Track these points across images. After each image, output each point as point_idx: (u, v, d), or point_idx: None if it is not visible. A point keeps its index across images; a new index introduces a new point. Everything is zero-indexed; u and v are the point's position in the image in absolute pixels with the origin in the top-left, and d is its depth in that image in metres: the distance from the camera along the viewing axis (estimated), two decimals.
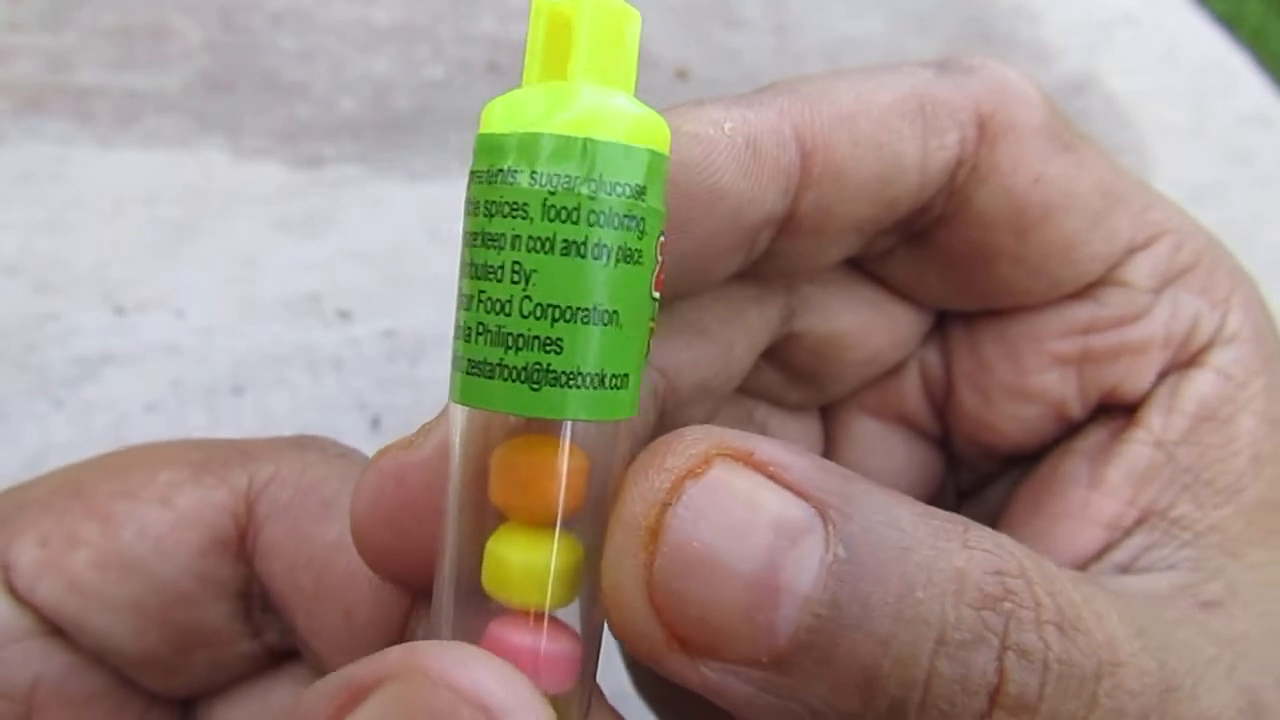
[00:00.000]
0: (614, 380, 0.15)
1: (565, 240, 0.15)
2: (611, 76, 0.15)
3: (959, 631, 0.15)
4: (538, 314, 0.15)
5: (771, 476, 0.16)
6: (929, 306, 0.23)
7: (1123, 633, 0.16)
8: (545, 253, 0.15)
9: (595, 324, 0.15)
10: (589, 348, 0.15)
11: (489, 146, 0.15)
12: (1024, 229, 0.20)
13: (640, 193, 0.15)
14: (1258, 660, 0.18)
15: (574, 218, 0.15)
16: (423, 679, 0.14)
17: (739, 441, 0.16)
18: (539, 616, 0.16)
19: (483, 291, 0.15)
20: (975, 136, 0.20)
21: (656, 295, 0.16)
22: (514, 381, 0.15)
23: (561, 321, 0.15)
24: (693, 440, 0.16)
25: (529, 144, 0.15)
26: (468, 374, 0.15)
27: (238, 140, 0.44)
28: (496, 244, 0.15)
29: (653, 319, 0.16)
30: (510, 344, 0.15)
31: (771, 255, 0.20)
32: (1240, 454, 0.20)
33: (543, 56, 0.16)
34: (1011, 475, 0.24)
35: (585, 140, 0.15)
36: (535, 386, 0.15)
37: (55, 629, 0.20)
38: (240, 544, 0.21)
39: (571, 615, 0.16)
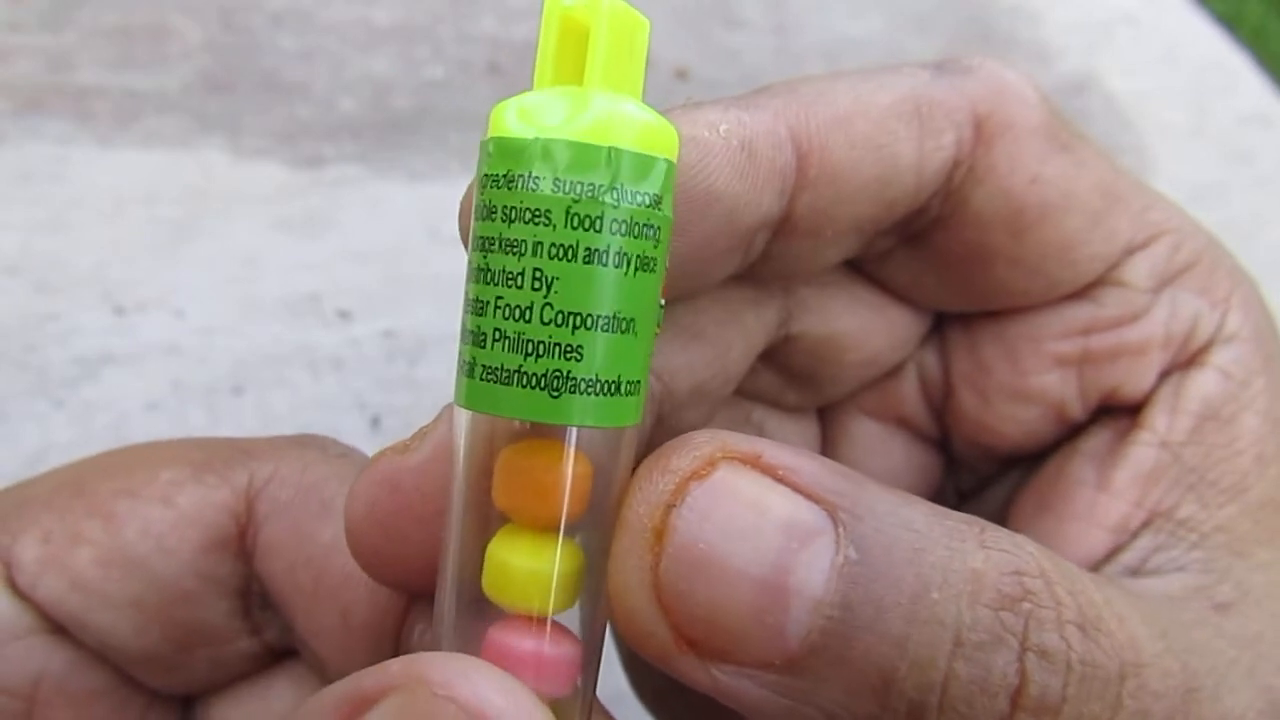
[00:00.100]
0: (628, 386, 0.15)
1: (588, 248, 0.15)
2: (623, 83, 0.16)
3: (976, 633, 0.15)
4: (559, 321, 0.15)
5: (780, 479, 0.16)
6: (927, 308, 0.23)
7: (1145, 634, 0.16)
8: (568, 260, 0.15)
9: (614, 331, 0.15)
10: (608, 354, 0.15)
11: (507, 150, 0.15)
12: (1021, 229, 0.20)
13: (657, 202, 0.15)
14: (1276, 661, 0.18)
15: (597, 226, 0.15)
16: (426, 691, 0.14)
17: (745, 445, 0.16)
18: (539, 620, 0.16)
19: (500, 297, 0.15)
20: (971, 137, 0.20)
21: (662, 301, 0.16)
22: (533, 388, 0.15)
23: (583, 329, 0.15)
24: (698, 443, 0.16)
25: (551, 150, 0.15)
26: (482, 380, 0.15)
27: (238, 140, 0.44)
28: (516, 250, 0.15)
29: (658, 324, 0.16)
30: (531, 351, 0.15)
31: (768, 257, 0.20)
32: (1244, 454, 0.20)
33: (555, 60, 0.16)
34: (1012, 477, 0.24)
35: (610, 149, 0.15)
36: (555, 394, 0.15)
37: (57, 626, 0.20)
38: (240, 542, 0.21)
39: (572, 621, 0.16)
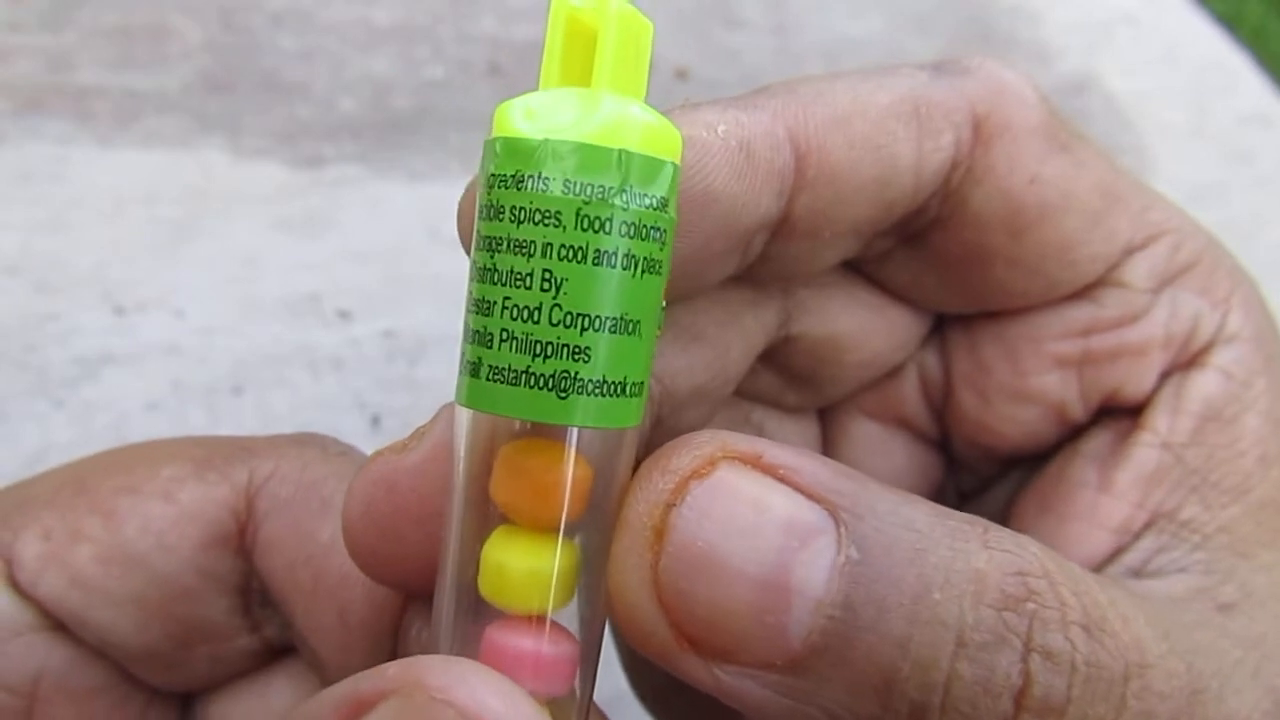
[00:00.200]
0: (632, 388, 0.16)
1: (597, 250, 0.15)
2: (629, 86, 0.16)
3: (979, 633, 0.15)
4: (567, 322, 0.15)
5: (781, 479, 0.16)
6: (927, 309, 0.23)
7: (1150, 635, 0.16)
8: (577, 261, 0.15)
9: (620, 333, 0.15)
10: (614, 356, 0.15)
11: (515, 150, 0.15)
12: (1020, 230, 0.20)
13: (664, 204, 0.15)
14: None
15: (606, 228, 0.15)
16: (423, 695, 0.14)
17: (746, 445, 0.16)
18: (537, 620, 0.16)
19: (508, 298, 0.15)
20: (970, 138, 0.20)
21: (664, 303, 0.16)
22: (541, 389, 0.15)
23: (590, 330, 0.15)
24: (699, 443, 0.16)
25: (562, 152, 0.15)
26: (488, 380, 0.15)
27: (238, 140, 0.44)
28: (526, 250, 0.15)
29: (660, 326, 0.16)
30: (539, 352, 0.15)
31: (767, 258, 0.20)
32: (1246, 454, 0.20)
33: (561, 60, 0.16)
34: (1013, 478, 0.24)
35: (620, 151, 0.15)
36: (563, 394, 0.15)
37: (58, 623, 0.20)
38: (240, 539, 0.21)
39: (570, 621, 0.16)
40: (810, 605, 0.15)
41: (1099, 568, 0.20)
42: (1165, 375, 0.21)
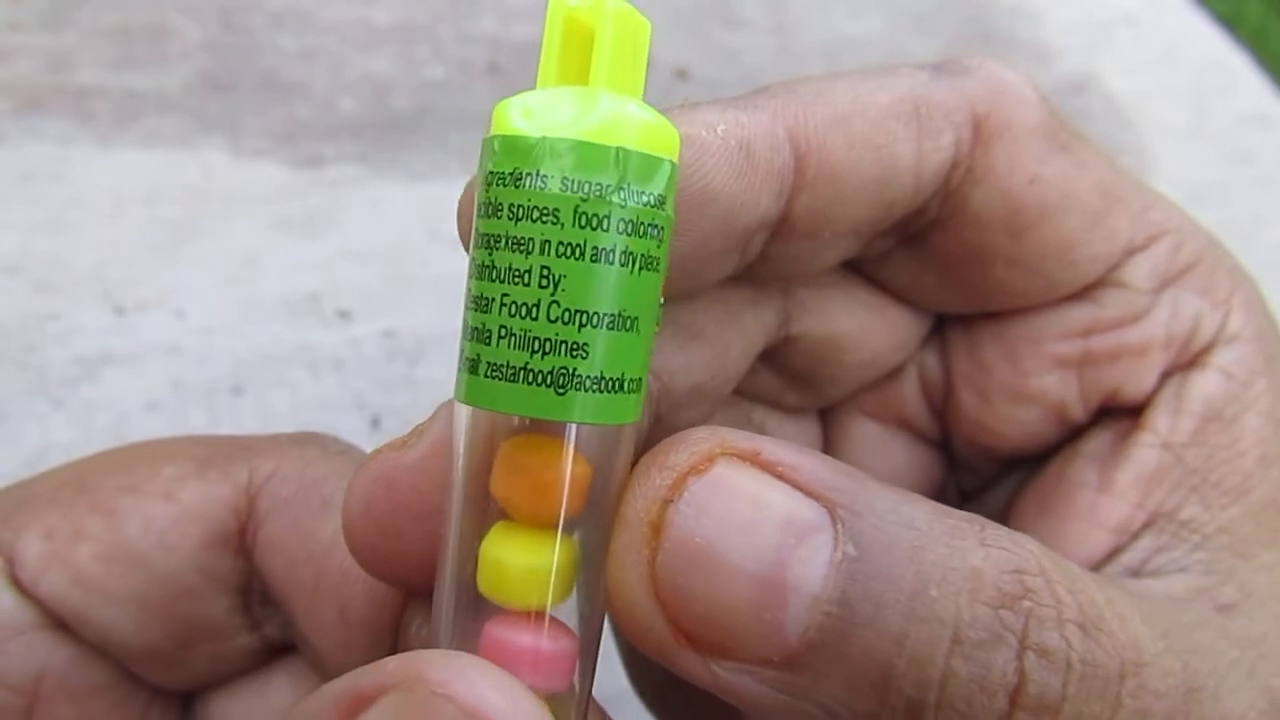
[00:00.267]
0: (630, 384, 0.16)
1: (595, 247, 0.15)
2: (626, 84, 0.16)
3: (975, 630, 0.15)
4: (565, 319, 0.15)
5: (779, 476, 0.16)
6: (927, 309, 0.23)
7: (1146, 634, 0.16)
8: (575, 259, 0.15)
9: (618, 329, 0.15)
10: (611, 352, 0.15)
11: (513, 148, 0.15)
12: (1020, 230, 0.20)
13: (661, 202, 0.15)
14: (1278, 662, 0.18)
15: (604, 225, 0.15)
16: (423, 689, 0.14)
17: (744, 441, 0.16)
18: (536, 616, 0.16)
19: (506, 295, 0.15)
20: (970, 138, 0.20)
21: (661, 300, 0.16)
22: (539, 385, 0.15)
23: (588, 327, 0.15)
24: (697, 439, 0.16)
25: (560, 149, 0.15)
26: (487, 377, 0.15)
27: (238, 140, 0.44)
28: (524, 247, 0.15)
29: (658, 323, 0.16)
30: (537, 348, 0.15)
31: (766, 258, 0.20)
32: (1247, 454, 0.20)
33: (559, 59, 0.16)
34: (1014, 478, 0.24)
35: (618, 149, 0.15)
36: (561, 391, 0.15)
37: (59, 622, 0.21)
38: (241, 538, 0.21)
39: (570, 617, 0.16)
40: (807, 602, 0.15)
41: (1097, 567, 0.20)
42: (1166, 375, 0.21)
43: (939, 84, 0.20)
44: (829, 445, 0.24)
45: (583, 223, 0.15)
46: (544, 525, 0.16)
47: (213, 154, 0.44)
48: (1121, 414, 0.22)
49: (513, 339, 0.15)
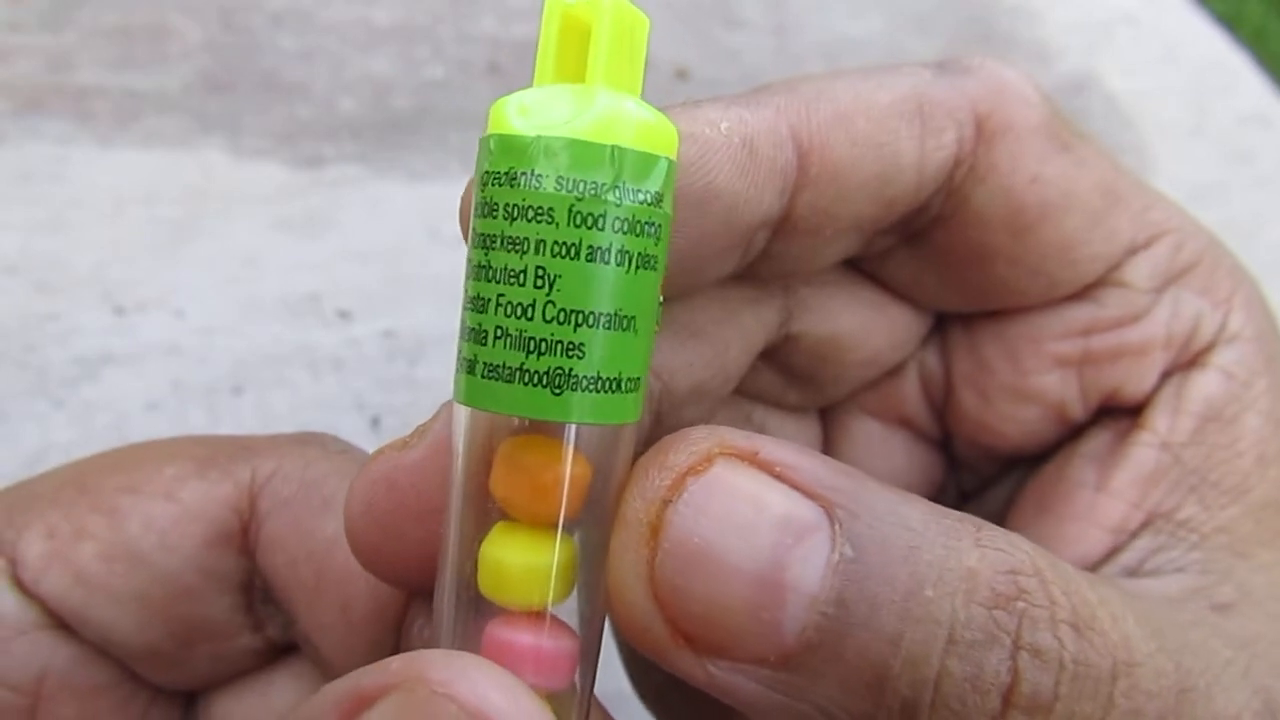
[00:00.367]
0: (628, 384, 0.16)
1: (590, 246, 0.15)
2: (624, 81, 0.16)
3: (969, 630, 0.15)
4: (561, 319, 0.15)
5: (778, 476, 0.16)
6: (928, 307, 0.23)
7: (1139, 634, 0.16)
8: (570, 258, 0.15)
9: (615, 329, 0.15)
10: (609, 352, 0.15)
11: (509, 147, 0.15)
12: (1021, 229, 0.20)
13: (659, 200, 0.15)
14: (1272, 662, 0.18)
15: (599, 224, 0.15)
16: (425, 689, 0.14)
17: (743, 441, 0.16)
18: (537, 615, 0.16)
19: (502, 295, 0.15)
20: (972, 136, 0.20)
21: (661, 299, 0.16)
22: (535, 386, 0.15)
23: (585, 326, 0.15)
24: (696, 439, 0.16)
25: (555, 148, 0.15)
26: (484, 377, 0.15)
27: (238, 140, 0.44)
28: (519, 248, 0.15)
29: (658, 322, 0.16)
30: (533, 349, 0.15)
31: (768, 256, 0.20)
32: (1246, 454, 0.20)
33: (556, 57, 0.16)
34: (1014, 477, 0.24)
35: (613, 147, 0.15)
36: (557, 391, 0.15)
37: (61, 622, 0.21)
38: (243, 538, 0.21)
39: (570, 616, 0.16)
40: (804, 602, 0.15)
41: (1095, 567, 0.20)
42: (1166, 375, 0.21)
43: (941, 83, 0.20)
44: (829, 444, 0.24)
45: (578, 222, 0.15)
46: (544, 525, 0.16)
47: (213, 154, 0.44)
48: (1121, 413, 0.22)
49: (509, 339, 0.15)
